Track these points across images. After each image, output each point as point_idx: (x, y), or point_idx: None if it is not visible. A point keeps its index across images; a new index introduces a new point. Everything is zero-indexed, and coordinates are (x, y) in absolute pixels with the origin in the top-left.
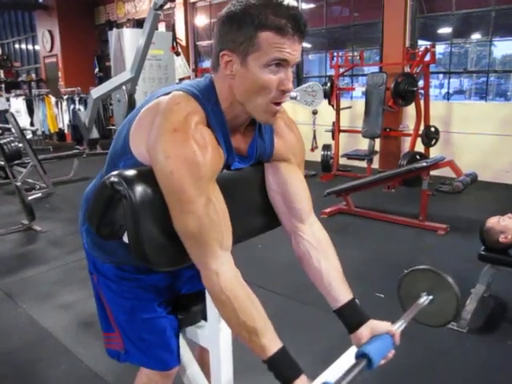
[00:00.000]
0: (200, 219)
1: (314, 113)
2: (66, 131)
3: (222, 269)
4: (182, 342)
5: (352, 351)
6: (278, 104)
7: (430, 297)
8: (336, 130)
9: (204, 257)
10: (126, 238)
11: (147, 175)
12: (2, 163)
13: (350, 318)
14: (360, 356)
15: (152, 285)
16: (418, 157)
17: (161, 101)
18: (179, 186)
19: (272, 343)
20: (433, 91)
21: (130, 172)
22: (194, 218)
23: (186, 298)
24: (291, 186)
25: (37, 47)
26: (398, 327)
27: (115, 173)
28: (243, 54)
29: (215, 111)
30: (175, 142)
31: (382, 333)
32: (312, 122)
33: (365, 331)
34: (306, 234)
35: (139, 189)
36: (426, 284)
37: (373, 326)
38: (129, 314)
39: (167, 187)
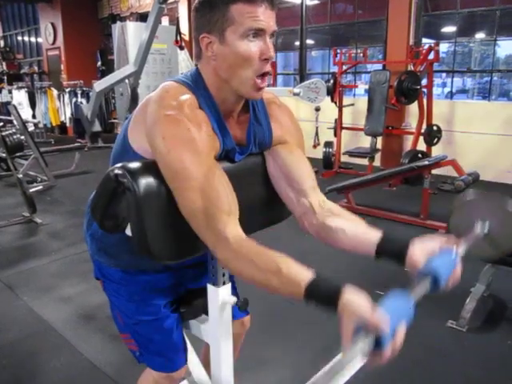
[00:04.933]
0: (203, 193)
1: (317, 109)
2: (67, 124)
3: (232, 233)
4: (187, 341)
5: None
6: (263, 76)
7: (487, 224)
8: (338, 127)
9: (212, 229)
10: (128, 231)
11: (151, 167)
12: (4, 155)
13: (393, 247)
14: (422, 276)
15: (158, 286)
16: (419, 155)
17: (152, 94)
18: (178, 164)
19: (303, 274)
20: (435, 90)
21: (134, 164)
22: (197, 194)
23: (188, 292)
24: (293, 166)
25: (39, 40)
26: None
27: (119, 165)
28: (220, 32)
29: (205, 96)
30: (169, 123)
31: (439, 250)
32: (315, 118)
33: (417, 252)
34: (316, 208)
35: (143, 181)
36: (481, 211)
37: (423, 244)
38: (136, 317)
39: (167, 168)
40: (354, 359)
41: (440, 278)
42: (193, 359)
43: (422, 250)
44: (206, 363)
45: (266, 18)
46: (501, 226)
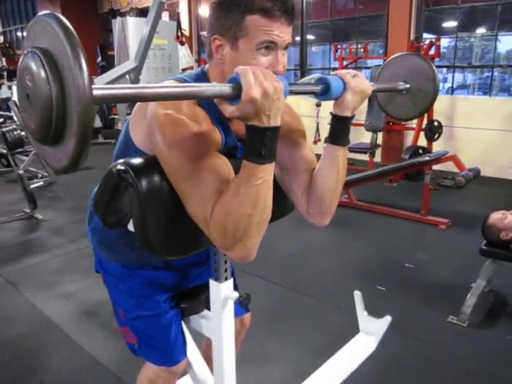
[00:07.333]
0: (200, 191)
1: (318, 105)
2: None
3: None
4: (187, 335)
5: (358, 338)
6: None
7: (407, 85)
8: None
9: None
10: (130, 227)
11: (153, 163)
12: (5, 151)
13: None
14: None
15: (157, 282)
16: (420, 151)
17: None
18: (177, 162)
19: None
20: None
21: (137, 160)
22: (194, 191)
23: (190, 288)
24: (296, 159)
25: None
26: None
27: (121, 161)
28: (233, 39)
29: None
30: (168, 120)
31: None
32: (315, 114)
33: None
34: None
35: (146, 177)
36: (407, 73)
37: None
38: (135, 311)
39: (168, 165)
40: None
41: (330, 85)
42: (193, 353)
43: None
44: (207, 357)
45: (280, 32)
46: (420, 85)
